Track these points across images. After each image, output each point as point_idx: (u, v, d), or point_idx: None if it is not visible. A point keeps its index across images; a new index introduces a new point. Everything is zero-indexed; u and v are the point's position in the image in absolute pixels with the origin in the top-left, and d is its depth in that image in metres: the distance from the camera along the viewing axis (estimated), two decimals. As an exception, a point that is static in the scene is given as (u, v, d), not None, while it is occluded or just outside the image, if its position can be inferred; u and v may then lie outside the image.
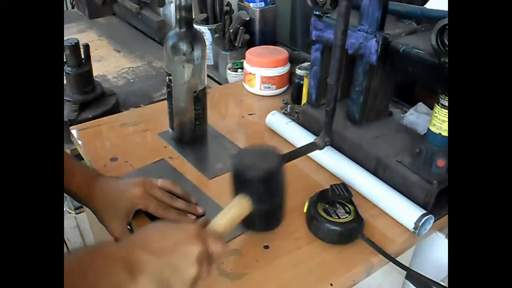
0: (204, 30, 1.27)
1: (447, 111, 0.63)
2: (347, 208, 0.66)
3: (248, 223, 0.59)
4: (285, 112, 0.97)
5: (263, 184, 0.56)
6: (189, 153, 0.84)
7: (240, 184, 0.57)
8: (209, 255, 0.49)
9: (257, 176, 0.55)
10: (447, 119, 0.64)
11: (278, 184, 0.58)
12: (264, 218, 0.59)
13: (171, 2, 1.44)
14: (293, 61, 1.07)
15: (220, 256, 0.51)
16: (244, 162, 0.57)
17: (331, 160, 0.78)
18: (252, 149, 0.61)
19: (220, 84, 1.22)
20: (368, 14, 0.69)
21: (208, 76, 1.22)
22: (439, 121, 0.65)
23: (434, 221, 0.66)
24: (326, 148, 0.72)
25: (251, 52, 1.05)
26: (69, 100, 1.04)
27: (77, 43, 1.03)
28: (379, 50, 0.69)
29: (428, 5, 0.73)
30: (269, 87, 1.03)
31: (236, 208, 0.55)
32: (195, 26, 0.87)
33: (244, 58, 1.06)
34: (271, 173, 0.56)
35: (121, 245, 0.49)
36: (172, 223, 0.55)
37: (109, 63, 1.41)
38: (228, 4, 1.21)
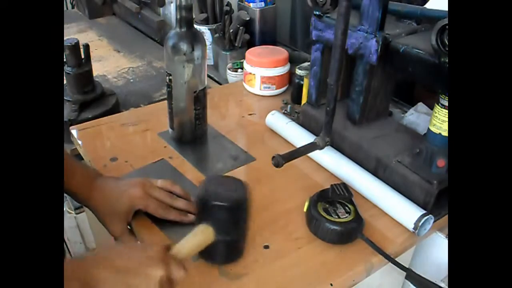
0: (204, 30, 1.27)
1: (447, 111, 0.63)
2: (347, 208, 0.66)
3: (208, 255, 0.58)
4: (285, 112, 0.97)
5: (227, 214, 0.55)
6: (189, 153, 0.84)
7: (205, 212, 0.56)
8: (170, 280, 0.49)
9: (221, 206, 0.54)
10: (447, 119, 0.64)
11: (242, 216, 0.57)
12: (225, 249, 0.58)
13: (171, 2, 1.44)
14: (293, 61, 1.07)
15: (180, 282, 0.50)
16: (211, 190, 0.56)
17: (331, 160, 0.78)
18: (219, 178, 0.61)
19: (220, 84, 1.22)
20: (368, 14, 0.69)
21: (208, 76, 1.22)
22: (439, 121, 0.65)
23: (434, 221, 0.66)
24: (326, 148, 0.72)
25: (251, 52, 1.05)
26: (69, 100, 1.04)
27: (77, 43, 1.03)
28: (379, 50, 0.69)
29: (428, 5, 0.73)
30: (269, 87, 1.03)
31: (199, 236, 0.55)
32: (195, 26, 0.87)
33: (244, 58, 1.06)
34: (236, 204, 0.56)
35: (80, 264, 0.48)
36: (138, 245, 0.54)
37: (109, 63, 1.41)
38: (228, 4, 1.21)
